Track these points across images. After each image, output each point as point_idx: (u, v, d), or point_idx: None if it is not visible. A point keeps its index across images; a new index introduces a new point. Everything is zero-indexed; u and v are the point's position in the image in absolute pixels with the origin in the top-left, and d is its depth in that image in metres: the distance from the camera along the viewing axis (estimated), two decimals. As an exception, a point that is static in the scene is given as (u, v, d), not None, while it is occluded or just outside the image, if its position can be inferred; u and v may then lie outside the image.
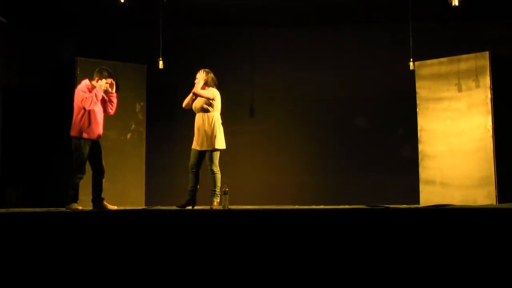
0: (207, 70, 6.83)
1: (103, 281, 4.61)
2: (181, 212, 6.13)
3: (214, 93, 6.72)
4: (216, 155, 6.67)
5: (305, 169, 8.98)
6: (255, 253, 4.78)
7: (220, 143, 6.68)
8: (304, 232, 4.98)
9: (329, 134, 8.94)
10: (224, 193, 6.58)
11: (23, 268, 4.65)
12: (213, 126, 6.64)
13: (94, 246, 4.88)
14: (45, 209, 6.80)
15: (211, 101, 6.68)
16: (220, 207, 6.56)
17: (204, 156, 6.72)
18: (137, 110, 8.34)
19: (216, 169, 6.67)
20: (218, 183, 6.65)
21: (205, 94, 6.70)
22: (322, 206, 7.00)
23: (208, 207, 6.71)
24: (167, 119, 9.00)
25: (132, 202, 8.06)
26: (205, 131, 6.65)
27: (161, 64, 7.77)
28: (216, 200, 6.65)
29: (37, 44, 8.80)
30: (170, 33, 8.05)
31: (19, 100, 8.62)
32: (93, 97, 6.54)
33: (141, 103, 8.53)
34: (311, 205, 7.48)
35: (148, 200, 8.44)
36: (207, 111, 6.69)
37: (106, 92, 6.69)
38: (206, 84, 6.74)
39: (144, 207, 7.79)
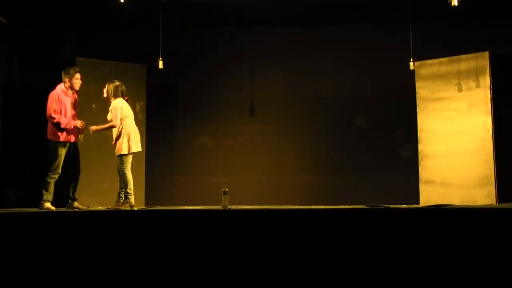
0: (109, 87, 6.93)
1: (102, 281, 4.60)
2: (181, 212, 6.13)
3: (116, 114, 6.81)
4: (124, 159, 6.82)
5: (305, 169, 8.97)
6: (255, 253, 4.78)
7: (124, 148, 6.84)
8: (304, 232, 4.98)
9: (329, 134, 8.93)
10: (224, 193, 6.59)
11: (22, 267, 4.64)
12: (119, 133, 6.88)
13: (94, 245, 4.87)
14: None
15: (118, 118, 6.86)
16: (123, 208, 6.72)
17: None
18: (137, 110, 8.32)
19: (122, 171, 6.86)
20: (128, 185, 6.82)
21: (113, 123, 6.85)
22: (322, 206, 6.99)
23: (207, 208, 6.72)
24: (167, 119, 9.00)
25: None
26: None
27: (161, 64, 7.77)
28: (126, 201, 6.82)
29: (37, 44, 8.79)
30: (170, 33, 8.04)
31: (19, 100, 8.61)
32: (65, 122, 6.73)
33: (141, 103, 8.55)
34: (311, 205, 7.47)
35: (148, 200, 8.44)
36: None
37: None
38: (110, 97, 6.91)
39: (144, 207, 7.79)
